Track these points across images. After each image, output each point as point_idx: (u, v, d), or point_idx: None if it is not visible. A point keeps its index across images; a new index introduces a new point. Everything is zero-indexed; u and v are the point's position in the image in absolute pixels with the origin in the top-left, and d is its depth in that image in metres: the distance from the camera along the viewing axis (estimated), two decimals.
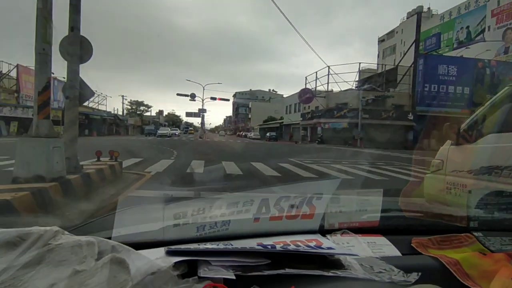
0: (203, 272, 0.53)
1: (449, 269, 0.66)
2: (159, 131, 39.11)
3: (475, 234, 0.81)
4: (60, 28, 4.96)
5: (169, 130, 42.73)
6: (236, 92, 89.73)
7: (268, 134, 43.49)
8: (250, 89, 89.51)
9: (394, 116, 28.50)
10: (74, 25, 5.23)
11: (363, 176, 7.76)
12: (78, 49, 5.27)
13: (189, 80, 72.64)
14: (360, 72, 34.49)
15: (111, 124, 41.12)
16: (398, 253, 0.74)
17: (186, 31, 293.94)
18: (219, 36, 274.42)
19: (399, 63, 32.64)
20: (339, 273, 0.58)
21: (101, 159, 6.82)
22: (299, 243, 0.66)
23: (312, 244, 0.66)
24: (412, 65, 28.82)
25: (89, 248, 0.41)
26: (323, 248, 0.65)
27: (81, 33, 5.35)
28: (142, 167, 7.78)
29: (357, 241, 0.76)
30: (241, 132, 63.03)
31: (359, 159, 12.93)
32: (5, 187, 3.80)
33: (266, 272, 0.55)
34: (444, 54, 34.02)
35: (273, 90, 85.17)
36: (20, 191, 3.57)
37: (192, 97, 42.10)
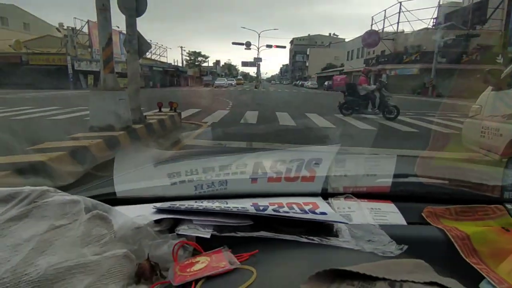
0: (181, 229, 0.56)
1: (454, 243, 0.58)
2: (216, 82, 40.05)
3: (508, 206, 0.70)
4: None
5: (226, 80, 43.43)
6: (293, 38, 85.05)
7: (326, 83, 41.32)
8: (309, 34, 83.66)
9: (479, 59, 24.28)
10: None
11: (429, 129, 7.03)
12: (134, 1, 5.36)
13: (244, 28, 70.53)
14: (440, 6, 29.30)
15: (172, 75, 43.13)
16: (403, 222, 0.67)
17: None
18: None
19: None
20: (316, 240, 0.56)
21: (162, 109, 7.31)
22: (294, 206, 0.65)
23: (308, 207, 0.65)
24: None
25: (74, 205, 0.46)
26: (315, 213, 0.62)
27: None
28: (199, 117, 8.17)
29: (359, 206, 0.71)
30: (298, 81, 61.02)
31: (428, 110, 11.67)
32: (84, 135, 4.37)
33: (239, 234, 0.56)
34: None
35: (333, 34, 78.32)
36: (95, 139, 4.07)
37: (247, 45, 41.30)
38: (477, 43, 25.45)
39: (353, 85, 9.58)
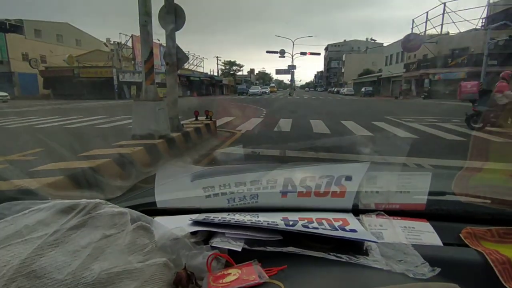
0: (215, 242, 0.60)
1: (493, 267, 0.54)
2: (250, 90, 40.70)
3: None
4: None
5: (260, 88, 43.95)
6: (328, 45, 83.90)
7: (363, 89, 40.06)
8: (344, 40, 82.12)
9: None
10: None
11: (481, 138, 6.50)
12: (173, 17, 5.68)
13: (279, 36, 71.52)
14: (491, 5, 27.21)
15: (208, 84, 44.58)
16: (439, 243, 0.63)
17: None
18: None
19: None
20: (345, 258, 0.55)
21: (198, 118, 7.58)
22: (323, 221, 0.65)
23: (338, 223, 0.64)
24: None
25: (121, 217, 0.52)
26: (345, 230, 0.62)
27: (175, 1, 5.71)
28: (234, 125, 8.34)
29: (391, 224, 0.68)
30: (333, 88, 59.86)
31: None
32: (126, 143, 4.67)
33: (269, 249, 0.58)
34: None
35: (371, 39, 76.00)
36: (136, 147, 4.33)
37: (282, 53, 41.53)
38: None
39: (489, 92, 8.03)
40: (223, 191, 0.75)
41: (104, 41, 35.33)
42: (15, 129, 8.03)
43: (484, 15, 27.23)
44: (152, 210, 0.73)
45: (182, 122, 6.33)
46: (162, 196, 0.76)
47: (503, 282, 0.54)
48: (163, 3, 5.74)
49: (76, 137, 6.46)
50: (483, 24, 27.01)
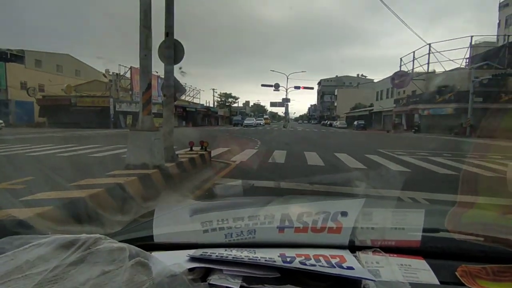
0: (213, 279, 0.59)
1: None
2: (245, 121, 41.34)
3: None
4: (156, 32, 5.63)
5: (254, 120, 44.71)
6: (321, 80, 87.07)
7: (355, 122, 40.97)
8: (336, 76, 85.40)
9: None
10: (169, 31, 5.86)
11: (472, 173, 6.59)
12: (172, 51, 5.90)
13: (273, 71, 74.34)
14: (473, 47, 28.94)
15: (204, 115, 45.24)
16: (435, 281, 0.63)
17: (269, 21, 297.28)
18: (301, 23, 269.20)
19: None
20: None
21: (193, 148, 7.59)
22: (321, 258, 0.65)
23: (335, 260, 0.64)
24: None
25: (120, 252, 0.51)
26: (342, 267, 0.62)
27: (174, 37, 5.97)
28: (228, 156, 8.35)
29: (388, 262, 0.68)
30: (326, 121, 61.06)
31: (467, 151, 11.05)
32: (120, 172, 4.61)
33: (267, 287, 0.57)
34: None
35: (361, 75, 79.29)
36: (130, 176, 4.28)
37: (276, 87, 42.78)
38: None
39: None
40: (221, 226, 0.75)
41: (103, 72, 36.16)
42: (6, 157, 7.91)
43: (467, 55, 28.92)
44: (149, 244, 0.72)
45: (177, 152, 6.32)
46: (160, 230, 0.76)
47: None
48: (163, 38, 6.00)
49: (68, 166, 6.37)
50: (467, 64, 28.57)
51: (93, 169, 5.86)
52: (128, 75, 30.40)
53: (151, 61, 5.22)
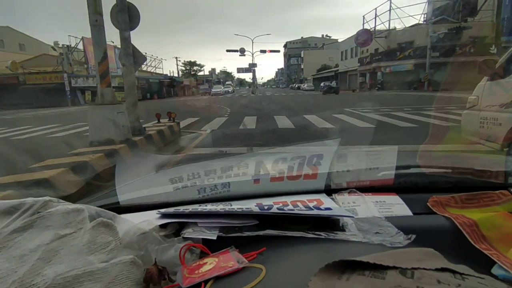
0: (187, 233, 0.56)
1: (462, 231, 0.58)
2: (212, 90, 40.28)
3: None
4: None
5: (222, 87, 43.70)
6: (287, 42, 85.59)
7: (322, 84, 41.42)
8: (302, 37, 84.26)
9: (472, 51, 24.39)
10: None
11: (427, 123, 7.03)
12: (127, 16, 5.41)
13: (238, 35, 71.35)
14: (430, 2, 29.51)
15: (169, 86, 43.30)
16: (409, 213, 0.67)
17: None
18: None
19: None
20: (323, 234, 0.55)
21: (160, 120, 7.32)
22: (298, 203, 0.64)
23: (312, 204, 0.65)
24: None
25: (77, 214, 0.46)
26: (320, 209, 0.62)
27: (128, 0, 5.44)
28: (198, 126, 8.19)
29: (363, 200, 0.71)
30: (294, 84, 61.21)
31: (426, 105, 11.68)
32: (84, 150, 4.37)
33: (245, 233, 0.56)
34: None
35: (326, 36, 78.90)
36: (95, 153, 4.07)
37: (242, 51, 41.59)
38: (470, 35, 25.58)
39: None
40: (192, 182, 0.71)
41: (52, 44, 32.73)
42: None
43: (426, 10, 29.55)
44: (115, 208, 0.66)
45: (144, 126, 6.07)
46: (126, 194, 0.70)
47: (472, 243, 0.57)
48: (114, 2, 5.45)
49: (26, 149, 5.92)
50: (424, 19, 29.27)
51: (54, 150, 5.49)
52: (80, 46, 27.86)
53: (104, 28, 4.76)
